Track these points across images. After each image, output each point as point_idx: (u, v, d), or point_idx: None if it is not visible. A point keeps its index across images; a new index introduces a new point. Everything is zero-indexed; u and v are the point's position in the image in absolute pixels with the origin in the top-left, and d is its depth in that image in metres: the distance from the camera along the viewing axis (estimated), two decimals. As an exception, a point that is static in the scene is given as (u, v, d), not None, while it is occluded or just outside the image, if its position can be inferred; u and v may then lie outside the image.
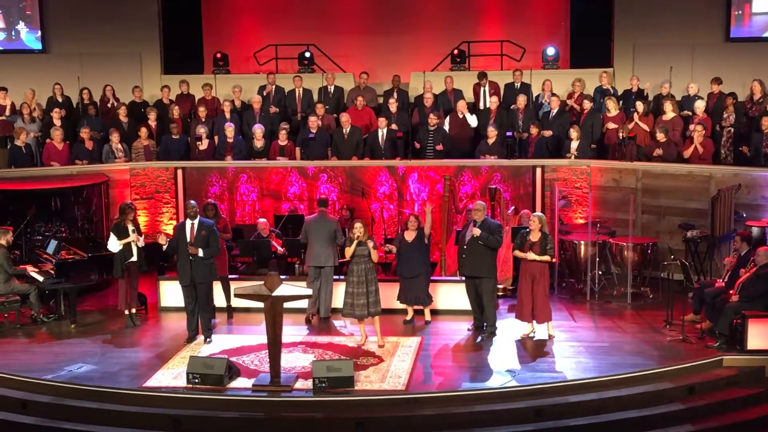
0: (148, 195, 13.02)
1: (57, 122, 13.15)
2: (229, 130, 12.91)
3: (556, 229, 11.04)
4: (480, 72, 14.08)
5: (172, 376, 8.45)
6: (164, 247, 9.60)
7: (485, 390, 8.05)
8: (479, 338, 9.50)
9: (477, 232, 9.37)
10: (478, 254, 9.43)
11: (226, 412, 7.83)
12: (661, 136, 11.93)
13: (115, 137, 12.89)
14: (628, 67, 15.09)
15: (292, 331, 9.68)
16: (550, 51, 15.20)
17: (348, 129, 12.84)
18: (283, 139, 12.92)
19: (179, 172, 12.95)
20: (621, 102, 13.18)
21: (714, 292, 9.35)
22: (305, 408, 7.86)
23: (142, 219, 12.53)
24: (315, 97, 14.14)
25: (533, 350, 9.12)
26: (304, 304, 10.05)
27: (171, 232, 10.97)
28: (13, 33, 16.15)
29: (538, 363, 8.72)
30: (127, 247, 9.92)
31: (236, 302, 10.15)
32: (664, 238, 11.45)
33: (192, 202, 9.66)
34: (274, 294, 8.03)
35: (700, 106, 12.37)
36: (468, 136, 13.05)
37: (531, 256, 9.26)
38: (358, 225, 9.22)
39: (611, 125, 12.64)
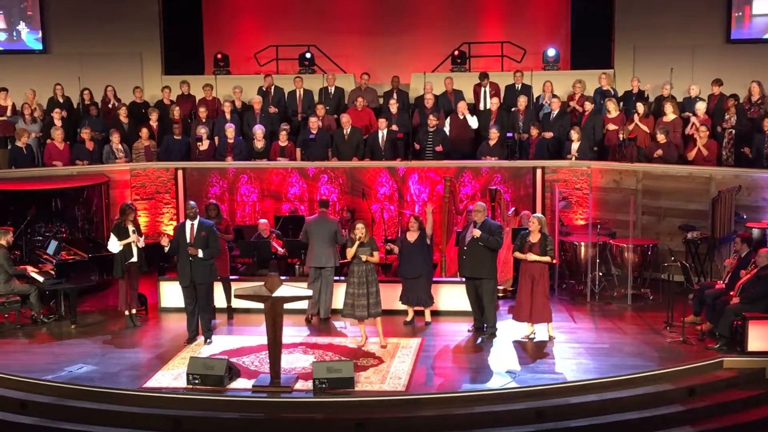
0: (149, 195, 13.02)
1: (58, 122, 13.15)
2: (230, 130, 12.91)
3: (556, 230, 11.03)
4: (481, 72, 14.09)
5: (172, 376, 8.44)
6: (166, 249, 9.60)
7: (485, 391, 8.05)
8: (479, 339, 9.50)
9: (477, 233, 9.37)
10: (479, 255, 9.43)
11: (226, 412, 7.83)
12: (661, 138, 11.93)
13: (115, 138, 12.89)
14: (628, 68, 15.09)
15: (293, 332, 9.67)
16: (551, 52, 15.20)
17: (348, 130, 12.84)
18: (283, 140, 12.92)
19: (180, 173, 12.95)
20: (621, 103, 13.18)
21: (714, 293, 9.35)
22: (305, 409, 7.86)
23: (143, 219, 12.52)
24: (315, 97, 14.15)
25: (533, 351, 9.11)
26: (304, 305, 10.06)
27: (171, 233, 10.96)
28: (14, 34, 16.15)
29: (539, 364, 8.72)
30: (127, 248, 9.92)
31: (236, 303, 10.15)
32: (665, 239, 11.45)
33: (192, 202, 9.66)
34: (275, 295, 8.03)
35: (701, 107, 12.37)
36: (468, 138, 13.05)
37: (531, 257, 9.26)
38: (359, 226, 9.22)
39: (611, 126, 12.64)
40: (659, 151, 11.88)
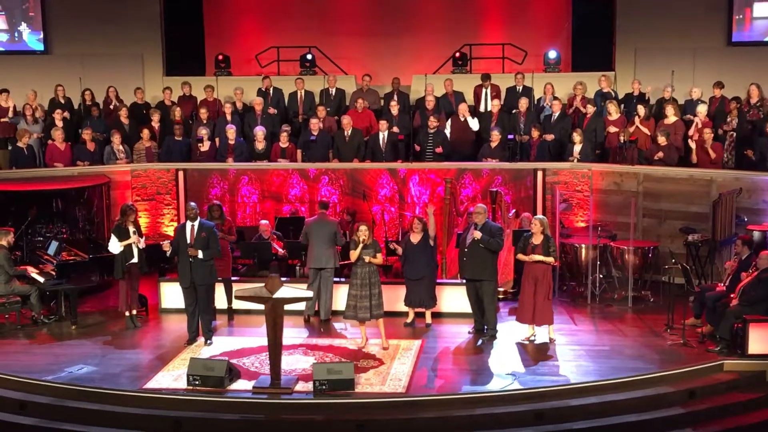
0: (150, 196, 13.03)
1: (59, 123, 13.16)
2: (231, 131, 12.92)
3: (557, 232, 11.03)
4: (483, 74, 14.09)
5: (172, 377, 8.44)
6: (168, 253, 9.57)
7: (486, 393, 8.05)
8: (480, 341, 9.50)
9: (478, 235, 9.37)
10: (479, 257, 9.43)
11: (227, 414, 7.82)
12: (662, 140, 11.93)
13: (116, 138, 12.90)
14: (629, 70, 15.10)
15: (293, 333, 9.68)
16: (552, 54, 15.20)
17: (349, 131, 12.85)
18: (284, 141, 12.93)
19: (180, 174, 12.95)
20: (622, 105, 13.18)
21: (715, 296, 9.35)
22: (305, 410, 7.85)
23: (143, 220, 12.53)
24: (316, 99, 14.16)
25: (534, 353, 9.11)
26: (304, 305, 10.07)
27: (172, 234, 10.96)
28: (15, 34, 16.17)
29: (539, 366, 8.72)
30: (127, 249, 9.92)
31: (237, 304, 10.16)
32: (665, 241, 11.45)
33: (192, 204, 9.66)
34: (275, 296, 8.03)
35: (701, 110, 12.37)
36: (470, 139, 13.05)
37: (536, 257, 9.25)
38: (363, 228, 9.22)
39: (612, 129, 12.64)
40: (660, 154, 11.88)
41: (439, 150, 12.60)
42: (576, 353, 9.06)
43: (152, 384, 8.29)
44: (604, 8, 15.63)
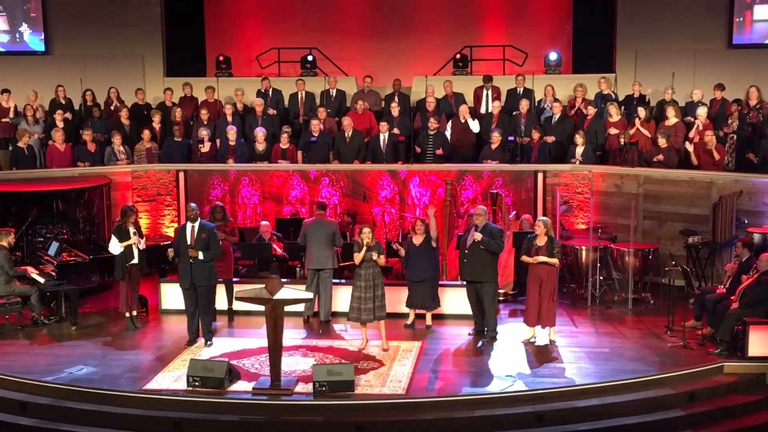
0: (150, 197, 13.03)
1: (60, 124, 13.17)
2: (231, 132, 12.93)
3: (557, 234, 11.02)
4: (485, 75, 14.10)
5: (172, 378, 8.44)
6: (170, 257, 9.54)
7: (486, 395, 8.04)
8: (480, 343, 9.50)
9: (478, 236, 9.37)
10: (480, 259, 9.43)
11: (227, 415, 7.82)
12: (662, 141, 11.93)
13: (117, 139, 12.91)
14: (630, 72, 15.09)
15: (293, 334, 9.68)
16: (553, 56, 15.21)
17: (350, 132, 12.85)
18: (284, 143, 12.93)
19: (181, 175, 12.95)
20: (623, 107, 13.19)
21: (715, 298, 9.35)
22: (305, 411, 7.85)
23: (144, 221, 12.53)
24: (317, 100, 14.16)
25: (534, 355, 9.11)
26: (303, 307, 10.08)
27: (172, 235, 10.95)
28: (17, 35, 16.17)
29: (539, 368, 8.72)
30: (128, 250, 9.92)
31: (237, 305, 10.16)
32: (666, 243, 11.45)
33: (192, 205, 9.66)
34: (275, 297, 8.03)
35: (701, 113, 12.37)
36: (470, 141, 13.06)
37: (540, 258, 9.26)
38: (366, 230, 9.22)
39: (613, 130, 12.64)
40: (660, 156, 11.88)
41: (439, 152, 12.60)
42: (576, 355, 9.06)
43: (152, 385, 8.29)
44: (604, 10, 15.64)
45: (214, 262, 9.57)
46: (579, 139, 12.33)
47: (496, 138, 12.49)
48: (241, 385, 8.25)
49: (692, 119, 12.60)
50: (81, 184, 12.16)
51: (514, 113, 13.36)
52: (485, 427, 7.68)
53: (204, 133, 12.99)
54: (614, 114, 12.75)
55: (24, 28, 16.16)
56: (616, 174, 12.12)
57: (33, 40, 16.18)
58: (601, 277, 11.07)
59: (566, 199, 12.12)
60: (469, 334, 9.75)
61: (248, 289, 8.44)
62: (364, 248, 9.14)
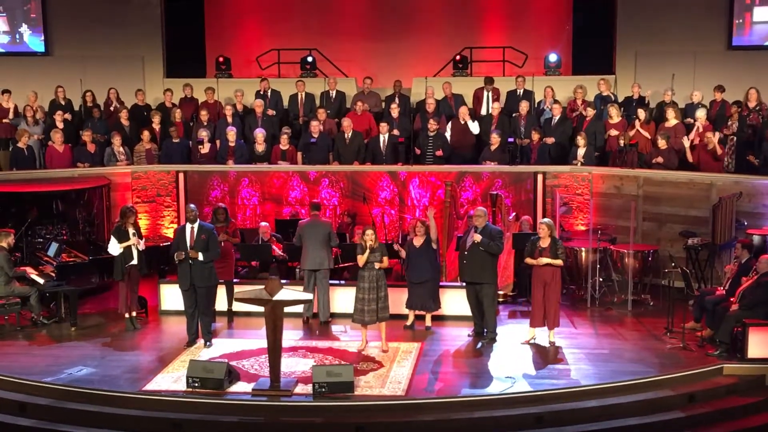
0: (150, 198, 13.03)
1: (60, 125, 13.17)
2: (231, 133, 12.93)
3: (557, 235, 11.01)
4: (486, 77, 14.10)
5: (172, 379, 8.44)
6: (180, 259, 9.32)
7: (485, 396, 8.04)
8: (479, 344, 9.50)
9: (478, 238, 9.38)
10: (479, 260, 9.43)
11: (226, 416, 7.82)
12: (662, 143, 11.93)
13: (116, 140, 12.91)
14: (630, 74, 15.10)
15: (292, 335, 9.68)
16: (552, 57, 15.21)
17: (350, 134, 12.85)
18: (284, 144, 12.93)
19: (181, 176, 12.95)
20: (622, 109, 13.19)
21: (714, 299, 9.35)
22: (305, 413, 7.85)
23: (143, 222, 12.53)
24: (317, 101, 14.16)
25: (534, 357, 9.11)
26: (302, 308, 10.08)
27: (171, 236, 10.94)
28: (17, 36, 16.18)
29: (539, 369, 8.72)
30: (127, 250, 9.92)
31: (237, 306, 10.16)
32: (665, 245, 11.46)
33: (192, 206, 9.66)
34: (275, 298, 8.03)
35: (701, 114, 12.38)
36: (470, 142, 13.06)
37: (544, 260, 9.26)
38: (369, 232, 9.22)
39: (613, 132, 12.65)
40: (659, 158, 11.88)
41: (439, 153, 12.60)
42: (576, 357, 9.06)
43: (152, 386, 8.29)
44: (604, 11, 15.64)
45: (216, 263, 9.58)
46: (581, 140, 12.33)
47: (495, 139, 12.49)
48: (241, 386, 8.25)
49: (692, 121, 12.60)
50: (81, 185, 12.16)
51: (513, 115, 13.36)
52: (485, 429, 7.68)
53: (204, 134, 12.99)
54: (614, 115, 12.75)
55: (24, 28, 16.17)
56: (615, 175, 12.12)
57: (33, 40, 16.19)
58: (601, 279, 11.07)
59: (566, 200, 12.12)
60: (469, 336, 9.74)
61: (248, 290, 8.43)
62: (368, 250, 9.14)
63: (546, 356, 9.11)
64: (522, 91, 13.93)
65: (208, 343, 9.43)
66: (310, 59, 15.48)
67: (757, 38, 15.08)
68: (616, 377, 8.36)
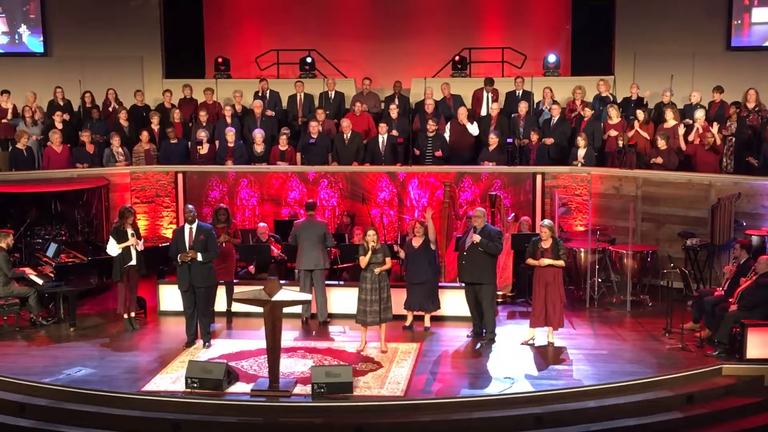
0: (149, 199, 13.02)
1: (59, 125, 13.16)
2: (230, 134, 12.92)
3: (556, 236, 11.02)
4: (486, 78, 14.10)
5: (170, 380, 8.44)
6: (185, 261, 9.28)
7: (484, 397, 8.05)
8: (478, 345, 9.50)
9: (477, 238, 9.38)
10: (478, 261, 9.44)
11: (225, 416, 7.82)
12: (662, 143, 11.93)
13: (115, 141, 12.90)
14: (629, 74, 15.10)
15: (291, 336, 9.68)
16: (551, 58, 15.21)
17: (349, 134, 12.85)
18: (283, 144, 12.93)
19: (180, 177, 12.95)
20: (621, 110, 13.19)
21: (713, 300, 9.35)
22: (304, 413, 7.85)
23: (142, 223, 12.52)
24: (316, 102, 14.16)
25: (533, 357, 9.11)
26: (301, 309, 10.07)
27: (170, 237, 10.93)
28: (16, 36, 16.17)
29: (538, 370, 8.72)
30: (126, 251, 9.92)
31: (236, 307, 10.16)
32: (664, 246, 11.46)
33: (190, 206, 9.66)
34: (274, 299, 8.03)
35: (699, 115, 12.38)
36: (469, 143, 13.06)
37: (545, 261, 9.27)
38: (371, 233, 9.23)
39: (612, 132, 12.65)
40: (658, 159, 11.89)
41: (438, 153, 12.60)
42: (575, 357, 9.06)
43: (150, 386, 8.29)
44: (603, 13, 15.64)
45: (216, 264, 9.57)
46: (581, 141, 12.33)
47: (493, 140, 12.49)
48: (240, 387, 8.25)
49: (690, 121, 12.61)
50: (80, 185, 12.15)
51: (512, 115, 13.36)
52: (484, 429, 7.69)
53: (203, 134, 12.99)
54: (614, 116, 12.75)
55: (23, 29, 16.16)
56: (614, 176, 12.13)
57: (32, 41, 16.18)
58: (600, 279, 11.08)
59: (565, 201, 12.13)
60: (468, 336, 9.75)
61: (247, 291, 8.43)
62: (370, 251, 9.14)
63: (545, 357, 9.12)
64: (521, 91, 13.94)
65: (207, 344, 9.42)
66: (309, 60, 15.48)
67: (755, 39, 15.10)
68: (615, 378, 8.36)
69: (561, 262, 9.32)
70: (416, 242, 9.85)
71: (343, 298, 10.34)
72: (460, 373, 8.70)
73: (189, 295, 9.41)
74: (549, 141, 12.71)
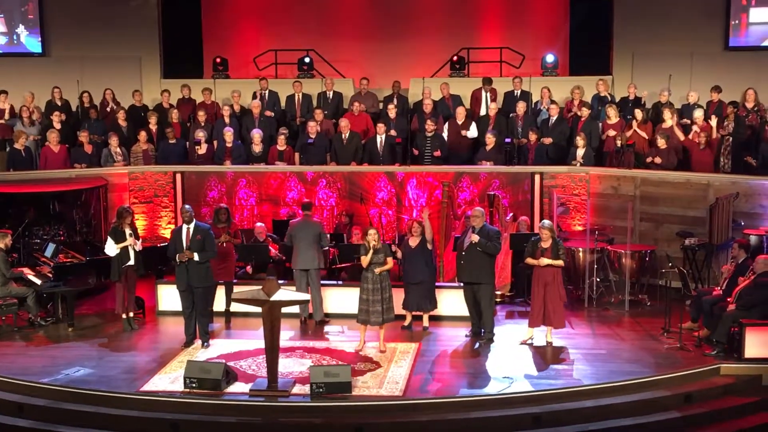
0: (147, 199, 13.02)
1: (57, 125, 13.15)
2: (228, 134, 12.92)
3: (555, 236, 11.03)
4: (485, 78, 14.11)
5: (169, 380, 8.44)
6: (183, 261, 9.28)
7: (483, 396, 8.05)
8: (477, 344, 9.51)
9: (475, 238, 9.38)
10: (477, 260, 9.44)
11: (224, 416, 7.82)
12: (662, 143, 11.94)
13: (114, 141, 12.90)
14: (627, 74, 15.11)
15: (290, 335, 9.68)
16: (550, 58, 15.22)
17: (347, 134, 12.85)
18: (281, 144, 12.93)
19: (178, 177, 12.95)
20: (619, 109, 13.19)
21: (712, 300, 9.36)
22: (303, 413, 7.85)
23: (140, 223, 12.52)
24: (314, 102, 14.16)
25: (531, 357, 9.11)
26: (299, 308, 10.07)
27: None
28: (14, 36, 16.16)
29: (536, 370, 8.72)
30: (124, 251, 9.92)
31: (235, 307, 10.15)
32: (663, 245, 11.47)
33: (187, 206, 9.66)
34: (272, 299, 8.03)
35: (698, 115, 12.40)
36: (467, 143, 13.06)
37: (544, 261, 9.27)
38: (372, 232, 9.23)
39: (611, 132, 12.66)
40: (657, 159, 11.90)
41: (437, 153, 12.61)
42: (573, 357, 9.07)
43: (149, 386, 8.29)
44: (601, 13, 15.65)
45: (216, 264, 9.56)
46: (580, 141, 12.33)
47: (490, 139, 12.50)
48: (238, 387, 8.25)
49: (688, 121, 12.63)
50: (78, 185, 12.14)
51: (511, 115, 13.37)
52: (482, 429, 7.69)
53: (201, 134, 12.99)
54: (612, 116, 12.76)
55: (21, 29, 16.15)
56: (613, 176, 12.13)
57: (30, 41, 16.17)
58: (598, 279, 11.08)
59: (563, 200, 12.13)
60: (466, 336, 9.75)
61: (245, 291, 8.43)
62: (371, 251, 9.14)
63: (544, 356, 9.12)
64: (519, 91, 13.94)
65: (205, 344, 9.42)
66: (307, 60, 15.47)
67: (753, 39, 15.12)
68: (614, 377, 8.37)
69: (560, 262, 9.33)
70: (413, 242, 9.85)
71: (341, 298, 10.34)
72: (458, 372, 8.70)
73: (187, 295, 9.40)
74: (547, 141, 12.71)
